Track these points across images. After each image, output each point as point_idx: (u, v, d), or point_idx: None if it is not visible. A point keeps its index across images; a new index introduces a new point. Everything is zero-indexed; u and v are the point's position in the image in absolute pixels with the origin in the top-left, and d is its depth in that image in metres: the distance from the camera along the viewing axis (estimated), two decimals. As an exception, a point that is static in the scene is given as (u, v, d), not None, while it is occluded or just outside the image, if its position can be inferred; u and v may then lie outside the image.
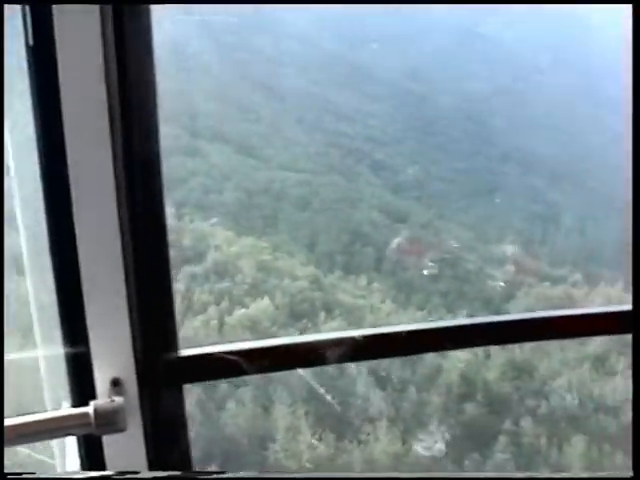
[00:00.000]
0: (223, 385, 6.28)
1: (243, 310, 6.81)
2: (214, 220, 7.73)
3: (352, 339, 2.11)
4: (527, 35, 12.10)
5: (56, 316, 1.83)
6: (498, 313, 8.66)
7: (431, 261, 9.07)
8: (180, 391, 2.03)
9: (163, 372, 1.95)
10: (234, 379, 6.16)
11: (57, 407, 1.87)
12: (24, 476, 1.44)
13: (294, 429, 6.30)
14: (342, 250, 8.69)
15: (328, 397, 6.46)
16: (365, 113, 11.16)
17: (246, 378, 6.45)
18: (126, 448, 1.87)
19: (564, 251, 9.96)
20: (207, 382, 6.18)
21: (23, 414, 1.69)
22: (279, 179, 9.23)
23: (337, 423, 6.52)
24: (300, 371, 6.56)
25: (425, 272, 8.91)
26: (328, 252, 8.56)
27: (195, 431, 6.12)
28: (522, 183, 10.78)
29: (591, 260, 9.82)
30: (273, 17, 11.01)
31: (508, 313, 8.66)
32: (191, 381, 2.15)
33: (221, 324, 6.74)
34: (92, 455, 1.90)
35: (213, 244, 7.36)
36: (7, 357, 1.83)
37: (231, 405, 6.24)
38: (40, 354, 1.99)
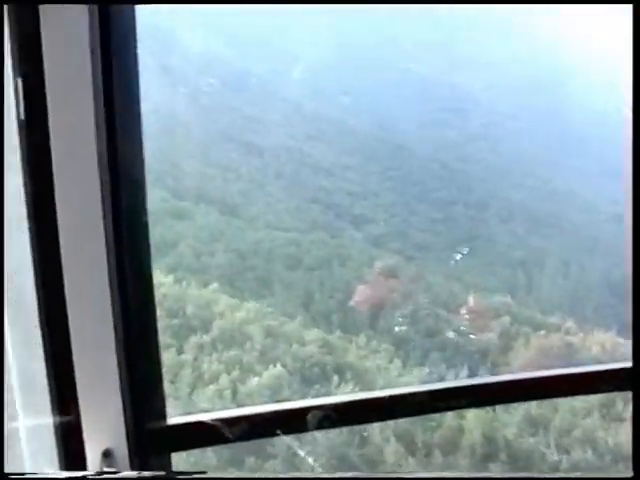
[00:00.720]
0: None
1: (257, 379, 6.62)
2: (214, 285, 7.56)
3: (334, 405, 2.17)
4: (494, 84, 12.25)
5: (44, 385, 1.78)
6: (498, 365, 8.61)
7: (425, 316, 9.00)
8: (169, 460, 2.07)
9: (153, 441, 1.96)
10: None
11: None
12: (25, 476, 1.48)
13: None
14: (337, 308, 8.57)
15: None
16: (341, 166, 11.13)
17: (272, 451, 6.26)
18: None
19: (551, 297, 10.00)
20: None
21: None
22: (267, 239, 9.11)
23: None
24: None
25: (412, 327, 8.84)
26: (324, 312, 8.44)
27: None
28: (502, 230, 10.82)
29: (579, 304, 9.87)
30: (247, 75, 10.97)
31: (508, 365, 8.63)
32: (180, 449, 2.20)
33: (234, 393, 6.54)
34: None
35: (217, 311, 7.18)
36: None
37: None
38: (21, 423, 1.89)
